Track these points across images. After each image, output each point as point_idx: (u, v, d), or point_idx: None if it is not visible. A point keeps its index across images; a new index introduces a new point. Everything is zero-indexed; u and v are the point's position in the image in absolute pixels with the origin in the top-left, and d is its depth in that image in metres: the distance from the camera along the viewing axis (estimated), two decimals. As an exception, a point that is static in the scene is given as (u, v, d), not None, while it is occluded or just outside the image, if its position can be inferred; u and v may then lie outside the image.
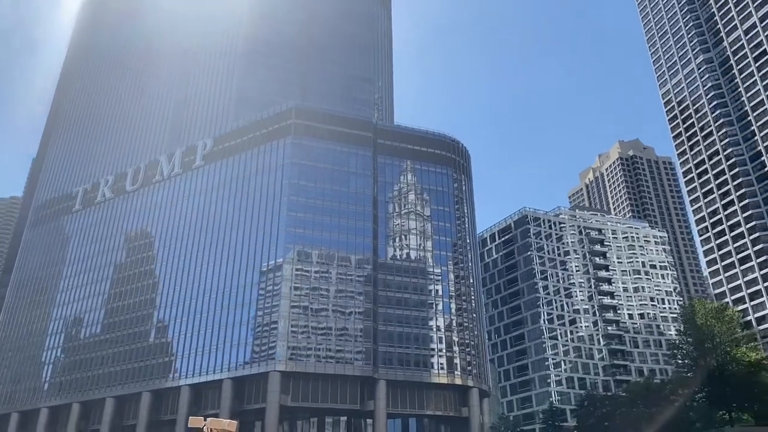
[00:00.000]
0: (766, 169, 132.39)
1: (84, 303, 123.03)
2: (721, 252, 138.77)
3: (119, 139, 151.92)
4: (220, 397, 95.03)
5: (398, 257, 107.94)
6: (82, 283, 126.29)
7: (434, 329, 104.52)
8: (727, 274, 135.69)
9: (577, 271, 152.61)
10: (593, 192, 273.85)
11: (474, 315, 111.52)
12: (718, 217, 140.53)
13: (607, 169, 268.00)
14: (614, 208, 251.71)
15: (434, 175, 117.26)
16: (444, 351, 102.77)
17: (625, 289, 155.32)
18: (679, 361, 75.45)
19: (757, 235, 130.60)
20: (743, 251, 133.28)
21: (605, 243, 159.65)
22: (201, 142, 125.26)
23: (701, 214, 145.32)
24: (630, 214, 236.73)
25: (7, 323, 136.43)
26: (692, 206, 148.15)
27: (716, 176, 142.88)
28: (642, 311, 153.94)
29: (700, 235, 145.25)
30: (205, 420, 18.06)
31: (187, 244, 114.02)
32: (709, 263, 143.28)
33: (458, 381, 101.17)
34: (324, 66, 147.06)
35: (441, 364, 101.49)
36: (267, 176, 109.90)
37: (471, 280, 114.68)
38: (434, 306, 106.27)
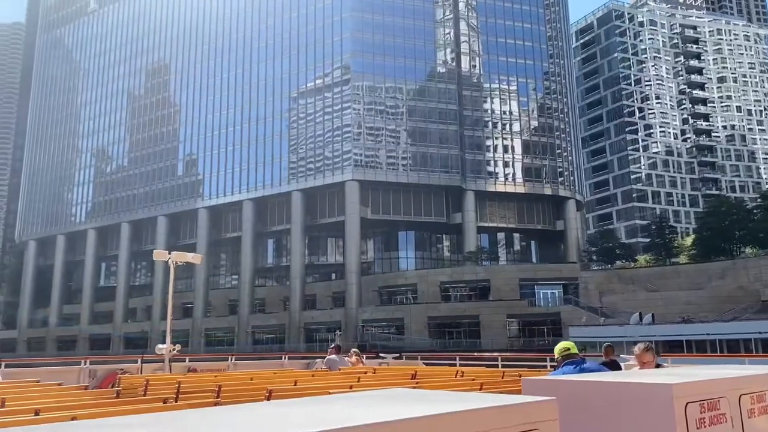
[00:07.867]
0: None
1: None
2: None
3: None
4: (289, 211, 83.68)
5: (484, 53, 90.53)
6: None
7: (527, 133, 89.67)
8: None
9: (666, 75, 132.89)
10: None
11: (567, 119, 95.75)
12: None
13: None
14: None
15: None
16: (536, 158, 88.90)
17: (720, 97, 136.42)
18: None
19: None
20: None
21: (700, 42, 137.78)
22: None
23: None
24: (705, 10, 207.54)
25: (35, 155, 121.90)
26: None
27: None
28: (734, 122, 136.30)
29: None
30: (169, 253, 14.32)
31: (230, 37, 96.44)
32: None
33: (551, 191, 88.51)
34: None
35: (533, 173, 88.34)
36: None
37: (565, 80, 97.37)
38: (525, 106, 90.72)
